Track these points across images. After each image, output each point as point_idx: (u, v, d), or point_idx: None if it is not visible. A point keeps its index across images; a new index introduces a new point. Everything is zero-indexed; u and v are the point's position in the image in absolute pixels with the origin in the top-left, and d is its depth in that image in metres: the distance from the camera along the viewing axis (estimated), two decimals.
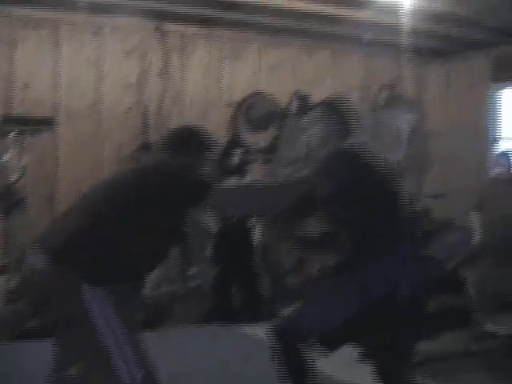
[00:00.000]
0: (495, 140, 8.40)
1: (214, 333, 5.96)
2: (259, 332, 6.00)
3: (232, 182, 5.81)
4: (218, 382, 4.57)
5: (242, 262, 6.57)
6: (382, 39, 7.54)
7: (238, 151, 6.58)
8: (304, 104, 7.54)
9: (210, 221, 6.40)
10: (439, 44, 8.15)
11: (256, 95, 7.64)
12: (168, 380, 3.01)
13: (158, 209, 2.83)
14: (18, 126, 6.67)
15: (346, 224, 3.38)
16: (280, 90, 7.74)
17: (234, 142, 6.86)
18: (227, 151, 6.72)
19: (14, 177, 6.68)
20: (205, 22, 7.36)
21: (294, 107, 7.58)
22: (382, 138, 7.90)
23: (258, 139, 7.53)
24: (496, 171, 6.55)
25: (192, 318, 6.37)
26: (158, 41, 7.39)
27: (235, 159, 6.51)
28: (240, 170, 6.54)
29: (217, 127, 7.58)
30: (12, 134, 6.62)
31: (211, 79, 7.57)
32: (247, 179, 6.53)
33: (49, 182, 6.91)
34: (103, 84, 7.15)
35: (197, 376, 4.34)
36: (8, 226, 6.74)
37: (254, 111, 7.62)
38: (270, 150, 7.57)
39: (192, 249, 7.01)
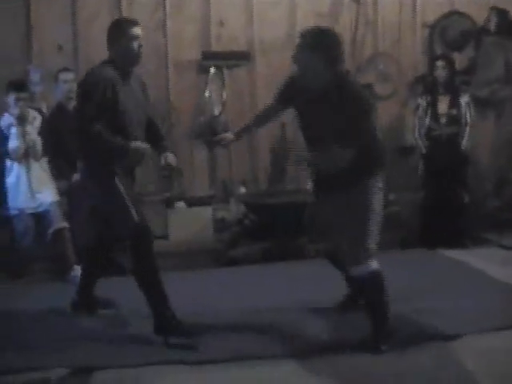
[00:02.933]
0: None
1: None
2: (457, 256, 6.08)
3: None
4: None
5: (447, 188, 6.53)
6: None
7: None
8: (503, 20, 7.20)
9: None
10: None
11: (451, 15, 7.36)
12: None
13: None
14: (217, 62, 6.97)
15: None
16: (475, 8, 7.37)
17: None
18: None
19: (216, 111, 7.01)
20: None
21: (492, 25, 7.24)
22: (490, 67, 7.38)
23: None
24: None
25: (388, 243, 6.44)
26: None
27: None
28: None
29: (412, 51, 7.47)
30: (212, 70, 6.94)
31: (404, 2, 7.38)
32: None
33: (247, 116, 7.14)
34: (296, 15, 7.21)
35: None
36: (212, 159, 7.12)
37: (450, 32, 7.36)
38: (467, 71, 7.31)
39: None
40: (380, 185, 4.00)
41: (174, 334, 4.11)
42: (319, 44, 3.85)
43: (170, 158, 4.53)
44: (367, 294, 4.02)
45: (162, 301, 4.18)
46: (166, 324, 4.15)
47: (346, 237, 3.97)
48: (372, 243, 3.95)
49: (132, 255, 4.18)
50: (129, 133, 4.20)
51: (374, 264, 3.95)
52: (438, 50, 7.32)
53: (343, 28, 7.28)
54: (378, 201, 3.96)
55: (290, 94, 4.15)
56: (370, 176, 3.95)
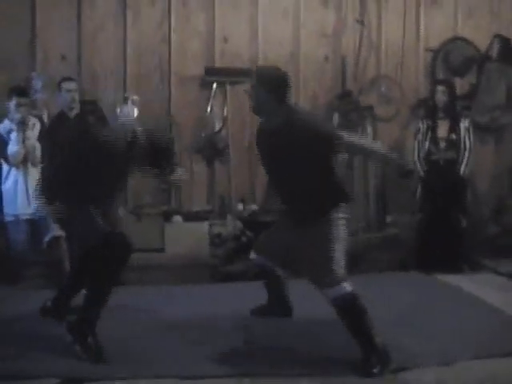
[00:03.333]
0: None
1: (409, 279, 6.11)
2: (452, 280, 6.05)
3: None
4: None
5: (445, 212, 6.53)
6: None
7: None
8: (506, 48, 7.23)
9: None
10: None
11: (454, 40, 7.40)
12: None
13: None
14: (219, 78, 6.99)
15: None
16: (478, 34, 7.42)
17: None
18: None
19: (217, 126, 7.02)
20: None
21: (494, 52, 7.28)
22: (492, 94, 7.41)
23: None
24: None
25: (387, 265, 6.44)
26: None
27: None
28: None
29: (414, 74, 7.49)
30: (214, 86, 6.96)
31: (407, 26, 7.41)
32: None
33: (248, 132, 7.15)
34: (300, 34, 7.25)
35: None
36: (211, 174, 7.11)
37: (453, 57, 7.39)
38: (468, 97, 7.33)
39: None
40: (342, 215, 4.09)
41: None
42: (266, 81, 4.04)
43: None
44: (344, 316, 4.00)
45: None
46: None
47: (312, 263, 4.06)
48: (338, 268, 3.99)
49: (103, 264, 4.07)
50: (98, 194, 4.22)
51: (346, 287, 3.96)
52: (441, 75, 7.35)
53: (347, 49, 7.33)
54: (341, 229, 4.05)
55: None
56: (332, 208, 4.05)
